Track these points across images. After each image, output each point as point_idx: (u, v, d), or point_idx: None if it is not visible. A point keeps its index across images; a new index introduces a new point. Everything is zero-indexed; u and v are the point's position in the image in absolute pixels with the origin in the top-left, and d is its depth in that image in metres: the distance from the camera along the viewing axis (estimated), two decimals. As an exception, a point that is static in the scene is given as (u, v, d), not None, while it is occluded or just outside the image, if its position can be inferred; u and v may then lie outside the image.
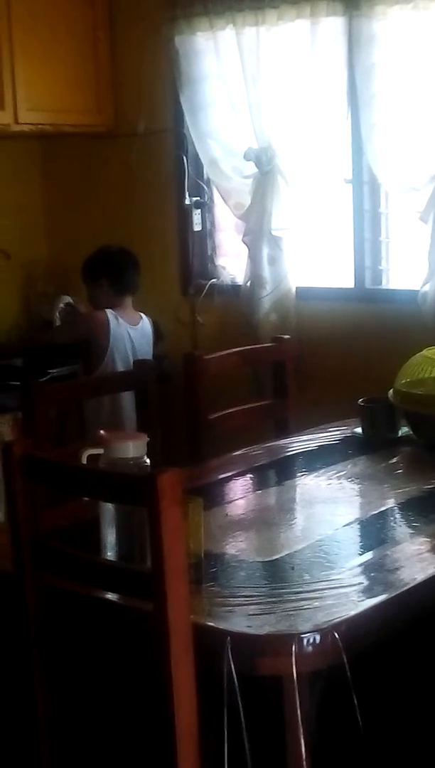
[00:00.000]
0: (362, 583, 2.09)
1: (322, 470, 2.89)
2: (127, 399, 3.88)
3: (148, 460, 2.11)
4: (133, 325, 4.25)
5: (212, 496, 2.65)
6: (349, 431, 3.24)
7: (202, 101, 4.58)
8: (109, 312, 4.20)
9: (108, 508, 2.09)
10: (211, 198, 4.85)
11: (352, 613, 1.93)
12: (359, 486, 2.77)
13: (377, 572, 2.14)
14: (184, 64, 4.58)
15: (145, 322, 4.34)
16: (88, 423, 3.82)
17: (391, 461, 2.97)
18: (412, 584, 2.07)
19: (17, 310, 5.06)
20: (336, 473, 2.85)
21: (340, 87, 4.18)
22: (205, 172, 4.75)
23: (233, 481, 2.87)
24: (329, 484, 2.78)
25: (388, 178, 4.14)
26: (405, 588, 2.06)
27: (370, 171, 4.23)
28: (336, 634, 1.86)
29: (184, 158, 4.78)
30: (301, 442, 3.20)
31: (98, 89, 4.85)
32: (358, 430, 3.21)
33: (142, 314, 4.36)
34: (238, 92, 4.42)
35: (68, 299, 4.54)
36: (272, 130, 4.36)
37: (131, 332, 4.24)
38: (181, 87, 4.62)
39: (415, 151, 4.02)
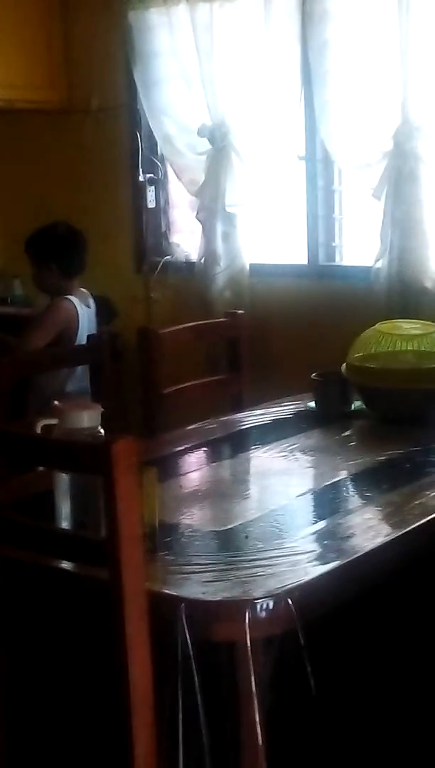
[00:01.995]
0: (315, 550, 2.10)
1: (276, 443, 2.89)
2: (81, 374, 3.85)
3: (102, 431, 2.12)
4: (86, 306, 4.18)
5: (166, 468, 2.65)
6: (302, 405, 3.25)
7: (156, 77, 4.59)
8: (72, 299, 4.08)
9: (62, 479, 2.09)
10: (165, 175, 4.86)
11: (305, 579, 1.94)
12: (312, 458, 2.78)
13: (330, 540, 2.15)
14: (137, 39, 4.58)
15: (91, 299, 4.25)
16: (42, 398, 3.79)
17: (344, 434, 2.99)
18: (364, 551, 2.09)
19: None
20: (289, 446, 2.86)
21: (294, 63, 4.20)
22: (159, 148, 4.75)
23: (187, 454, 2.87)
24: (283, 457, 2.79)
25: (341, 155, 4.17)
26: (357, 555, 2.07)
27: (324, 148, 4.25)
28: (289, 600, 1.87)
29: (138, 135, 4.78)
30: (254, 417, 3.20)
31: (51, 65, 4.85)
32: (312, 404, 3.22)
33: (85, 290, 4.24)
34: (192, 68, 4.43)
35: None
36: (226, 106, 4.37)
37: (87, 314, 4.18)
38: (135, 63, 4.62)
39: (368, 128, 4.05)
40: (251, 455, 2.90)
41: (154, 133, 4.67)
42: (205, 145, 4.44)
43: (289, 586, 1.91)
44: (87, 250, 4.20)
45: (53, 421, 2.12)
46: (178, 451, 2.88)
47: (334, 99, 4.10)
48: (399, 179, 3.96)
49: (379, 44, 3.97)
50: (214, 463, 2.88)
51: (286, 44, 4.19)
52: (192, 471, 2.79)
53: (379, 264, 4.07)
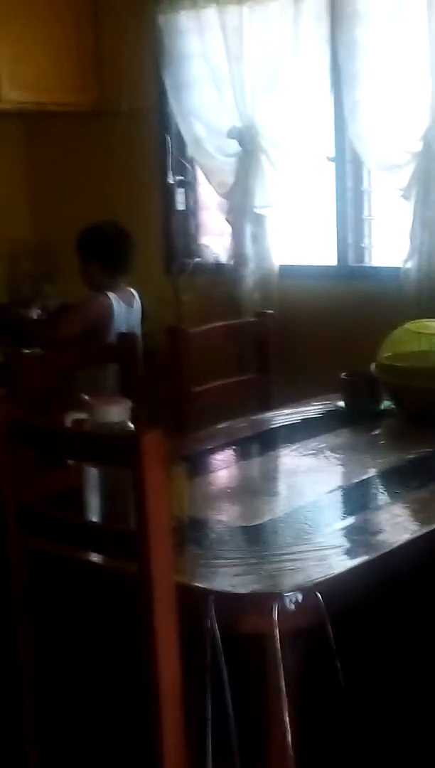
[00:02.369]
0: (344, 545, 2.11)
1: (305, 442, 2.90)
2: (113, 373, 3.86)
3: (131, 425, 2.13)
4: (129, 305, 4.22)
5: (195, 466, 2.66)
6: (331, 405, 3.25)
7: (186, 80, 4.60)
8: (111, 295, 4.14)
9: (92, 473, 2.11)
10: (194, 177, 4.87)
11: (334, 573, 1.95)
12: (341, 456, 2.78)
13: (359, 536, 2.16)
14: (167, 42, 4.60)
15: (137, 300, 4.30)
16: (73, 397, 3.81)
17: (373, 433, 2.99)
18: (392, 547, 2.09)
19: (0, 288, 5.06)
20: (318, 445, 2.87)
21: (323, 65, 4.21)
22: (188, 150, 4.76)
23: (216, 452, 2.88)
24: (311, 455, 2.79)
25: (370, 156, 4.17)
26: (386, 550, 2.08)
27: (353, 149, 4.25)
28: (318, 594, 1.87)
29: (168, 137, 4.79)
30: (284, 416, 3.21)
31: (82, 68, 4.87)
32: (341, 403, 3.22)
33: (133, 291, 4.31)
34: (222, 71, 4.45)
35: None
36: (255, 108, 4.38)
37: (127, 314, 4.21)
38: (165, 65, 4.63)
39: (397, 129, 4.04)
40: (280, 453, 2.90)
41: (184, 136, 4.69)
42: (234, 147, 4.46)
43: (318, 579, 1.91)
44: (133, 251, 4.26)
45: (83, 416, 2.14)
46: (207, 449, 2.89)
47: (363, 100, 4.10)
48: (428, 180, 3.95)
49: (408, 45, 3.96)
50: (243, 461, 2.89)
51: (315, 46, 4.19)
52: (221, 469, 2.80)
53: (408, 265, 4.06)
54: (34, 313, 4.64)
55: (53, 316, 4.50)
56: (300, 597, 1.86)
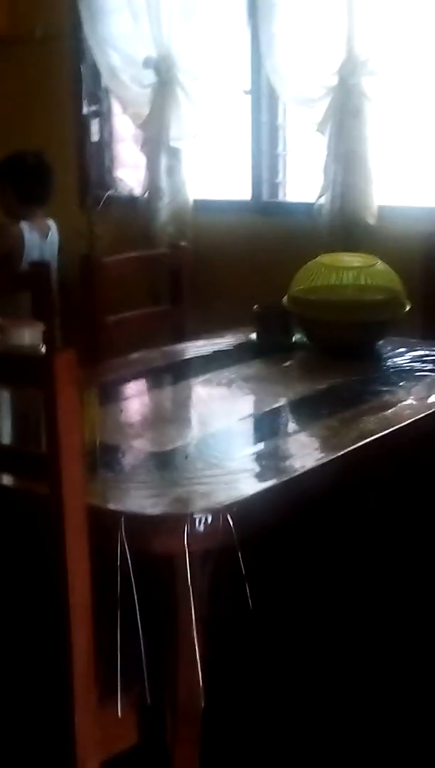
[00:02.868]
0: (254, 469, 2.13)
1: (217, 372, 2.91)
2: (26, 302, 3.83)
3: (43, 348, 2.12)
4: (43, 236, 4.18)
5: (107, 394, 2.65)
6: (244, 337, 3.26)
7: (102, 7, 4.53)
8: (23, 224, 4.11)
9: (2, 396, 2.10)
10: (109, 108, 4.82)
11: (244, 495, 1.98)
12: (253, 386, 2.80)
13: (269, 460, 2.19)
14: (83, -32, 4.51)
15: (54, 232, 4.26)
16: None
17: (284, 364, 3.01)
18: (301, 471, 2.12)
19: None
20: (230, 375, 2.88)
21: (241, -4, 4.16)
22: (103, 80, 4.69)
23: (128, 381, 2.88)
24: (223, 385, 2.81)
25: (286, 90, 4.16)
26: (295, 474, 2.10)
27: (269, 82, 4.23)
28: (228, 515, 1.89)
29: (82, 66, 4.72)
30: (196, 347, 3.21)
31: (-7, -9, 4.76)
32: (253, 336, 3.24)
33: (50, 222, 4.26)
34: (138, -1, 4.38)
35: None
36: (172, 38, 4.33)
37: (41, 244, 4.18)
38: (80, -9, 4.55)
39: (313, 63, 4.03)
40: (192, 383, 2.91)
41: (99, 65, 4.62)
42: (150, 77, 4.41)
43: (227, 502, 1.93)
44: (52, 183, 4.25)
45: (-6, 338, 2.13)
46: (119, 378, 2.88)
47: (280, 33, 4.09)
48: (343, 115, 3.96)
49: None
50: (154, 390, 2.89)
51: (233, -24, 4.16)
52: (133, 397, 2.80)
53: (322, 200, 4.08)
54: None
55: None
56: (210, 518, 1.88)
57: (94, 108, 4.77)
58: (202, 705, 1.96)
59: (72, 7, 4.64)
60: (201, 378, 2.89)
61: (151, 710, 1.99)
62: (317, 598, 2.44)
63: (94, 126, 4.79)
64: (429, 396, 2.63)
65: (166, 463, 2.20)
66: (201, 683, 1.93)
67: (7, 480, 2.02)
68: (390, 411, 2.50)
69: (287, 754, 2.45)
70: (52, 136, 4.80)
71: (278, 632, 2.36)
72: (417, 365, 2.91)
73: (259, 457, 2.22)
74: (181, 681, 1.95)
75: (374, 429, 2.36)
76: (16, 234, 4.08)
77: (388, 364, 2.94)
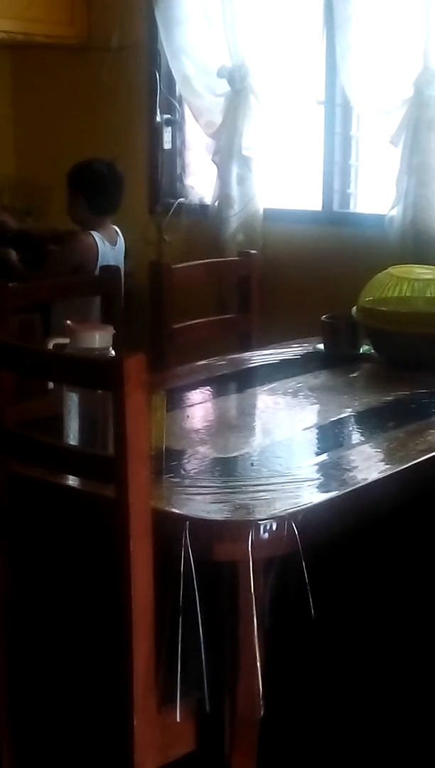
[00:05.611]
0: (319, 479, 2.13)
1: (283, 381, 2.91)
2: (95, 308, 3.86)
3: (113, 352, 2.13)
4: (113, 245, 4.20)
5: (174, 400, 2.67)
6: (311, 347, 3.27)
7: (177, 16, 4.55)
8: (95, 235, 4.11)
9: (72, 399, 2.11)
10: (182, 116, 4.84)
11: (308, 504, 1.97)
12: (318, 396, 2.80)
13: (334, 470, 2.18)
14: (159, -23, 4.54)
15: (121, 239, 4.28)
16: (53, 329, 3.81)
17: (351, 375, 3.00)
18: (366, 482, 2.11)
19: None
20: (296, 384, 2.88)
21: (317, 7, 4.17)
22: (177, 89, 4.72)
23: (195, 387, 2.89)
24: (289, 394, 2.81)
25: (360, 101, 4.15)
26: (359, 485, 2.10)
27: (343, 93, 4.23)
28: (292, 523, 1.89)
29: (157, 74, 4.75)
30: (263, 356, 3.22)
31: (72, 0, 4.80)
32: (320, 346, 3.24)
33: (117, 229, 4.28)
34: (214, 8, 4.40)
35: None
36: (246, 48, 4.34)
37: (111, 253, 4.19)
38: (156, 1, 4.58)
39: (388, 74, 4.02)
40: (258, 392, 2.91)
41: (173, 74, 4.64)
42: (223, 86, 4.42)
43: (292, 509, 1.93)
44: (122, 193, 4.22)
45: (65, 341, 2.14)
46: (186, 384, 2.90)
47: (355, 44, 4.07)
48: (417, 126, 3.94)
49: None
50: (220, 398, 2.90)
51: (309, -13, 4.16)
52: (199, 403, 2.81)
53: (393, 212, 4.06)
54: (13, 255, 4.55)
55: (41, 262, 4.43)
56: (274, 525, 1.88)
57: (167, 116, 4.79)
58: (262, 714, 1.95)
59: (148, 17, 4.67)
60: (267, 386, 2.89)
61: (210, 717, 1.99)
62: (379, 610, 2.42)
63: (167, 134, 4.81)
64: None
65: (230, 469, 2.20)
66: (261, 692, 1.93)
67: (74, 482, 2.04)
68: (457, 425, 2.48)
69: (344, 766, 2.43)
70: (125, 143, 4.83)
71: (340, 643, 2.35)
72: None
73: (323, 466, 2.21)
74: (241, 690, 1.95)
75: (441, 442, 2.34)
76: (91, 244, 4.09)
77: (456, 377, 2.91)
